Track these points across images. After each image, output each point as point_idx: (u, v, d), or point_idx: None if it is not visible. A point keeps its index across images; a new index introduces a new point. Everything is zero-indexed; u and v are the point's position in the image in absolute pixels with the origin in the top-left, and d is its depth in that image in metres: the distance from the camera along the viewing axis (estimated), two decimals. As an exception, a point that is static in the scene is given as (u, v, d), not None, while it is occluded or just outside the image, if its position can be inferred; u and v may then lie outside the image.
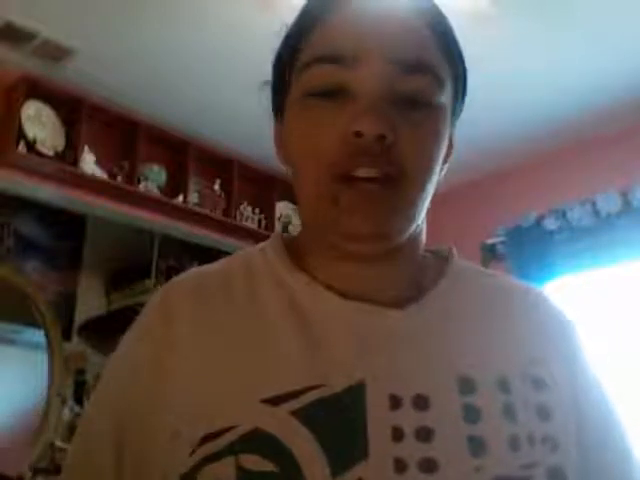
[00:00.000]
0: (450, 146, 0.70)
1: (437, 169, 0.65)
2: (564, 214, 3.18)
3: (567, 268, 3.21)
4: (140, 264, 3.38)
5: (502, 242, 3.39)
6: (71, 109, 2.97)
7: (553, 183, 3.28)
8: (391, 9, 0.65)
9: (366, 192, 0.60)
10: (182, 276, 0.72)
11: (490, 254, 3.40)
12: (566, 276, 3.22)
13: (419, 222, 0.66)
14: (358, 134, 0.59)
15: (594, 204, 3.10)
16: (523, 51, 2.62)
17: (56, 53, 2.74)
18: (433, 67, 0.63)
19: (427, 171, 0.63)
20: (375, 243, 0.63)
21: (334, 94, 0.62)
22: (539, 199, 3.28)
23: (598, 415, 0.67)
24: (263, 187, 3.58)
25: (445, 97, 0.65)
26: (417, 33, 0.64)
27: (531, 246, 3.25)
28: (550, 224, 3.23)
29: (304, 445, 0.56)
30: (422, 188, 0.63)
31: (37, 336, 2.94)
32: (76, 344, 3.17)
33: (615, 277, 3.13)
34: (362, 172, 0.60)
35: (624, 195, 3.02)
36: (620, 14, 2.42)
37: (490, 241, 3.43)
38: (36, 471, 2.63)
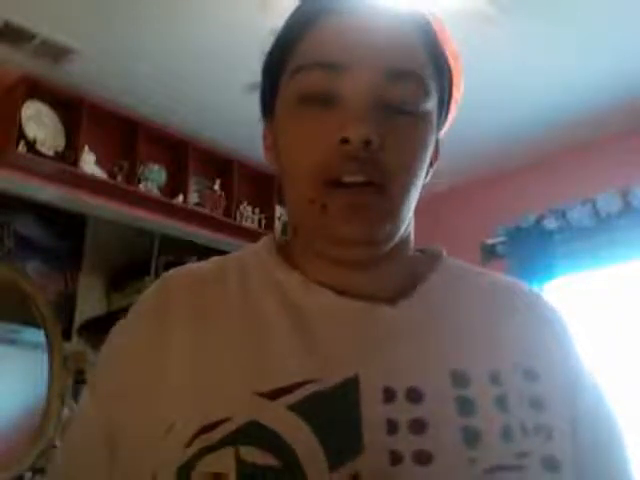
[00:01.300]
0: (436, 151, 0.71)
1: (422, 174, 0.66)
2: (564, 214, 3.19)
3: (567, 268, 3.21)
4: (140, 264, 3.38)
5: (502, 242, 3.39)
6: (71, 109, 2.97)
7: (553, 183, 3.28)
8: (381, 16, 0.65)
9: (353, 198, 0.61)
10: (178, 269, 0.72)
11: (490, 254, 3.41)
12: (566, 276, 3.22)
13: (406, 225, 0.67)
14: (345, 141, 0.60)
15: (594, 204, 3.10)
16: (522, 51, 2.62)
17: (56, 53, 2.74)
18: (420, 75, 0.64)
19: (412, 177, 0.64)
20: (363, 249, 0.64)
21: (323, 100, 0.63)
22: (539, 199, 3.28)
23: (594, 417, 0.67)
24: (263, 187, 3.58)
25: (431, 104, 0.65)
26: (405, 41, 0.65)
27: (531, 246, 3.25)
28: (550, 224, 3.23)
29: (303, 439, 0.56)
30: (407, 193, 0.64)
31: (37, 336, 2.94)
32: (76, 344, 3.17)
33: (615, 277, 3.13)
34: (348, 178, 0.61)
35: (624, 195, 3.02)
36: (620, 14, 2.42)
37: (490, 241, 3.43)
38: (36, 471, 2.63)
